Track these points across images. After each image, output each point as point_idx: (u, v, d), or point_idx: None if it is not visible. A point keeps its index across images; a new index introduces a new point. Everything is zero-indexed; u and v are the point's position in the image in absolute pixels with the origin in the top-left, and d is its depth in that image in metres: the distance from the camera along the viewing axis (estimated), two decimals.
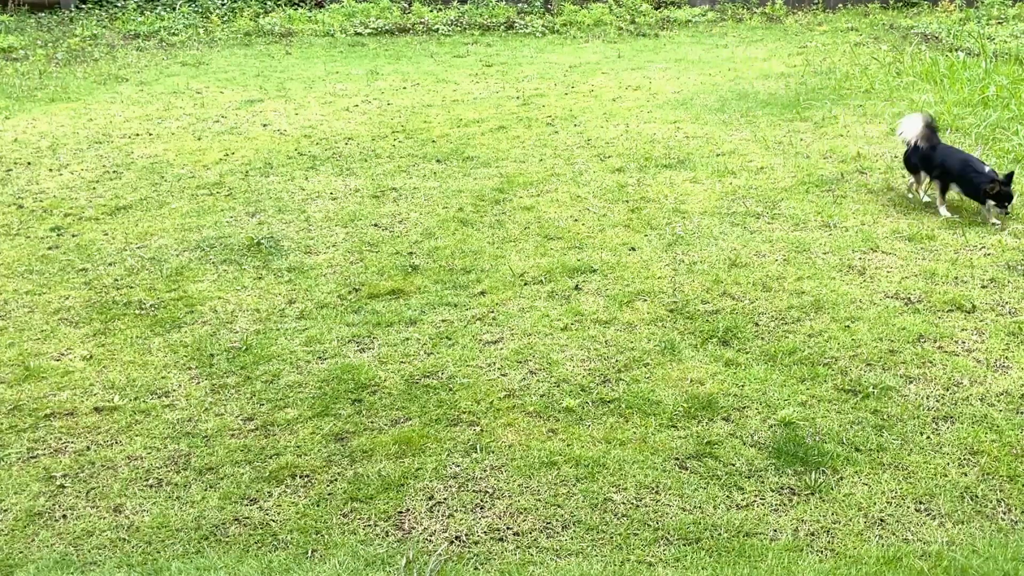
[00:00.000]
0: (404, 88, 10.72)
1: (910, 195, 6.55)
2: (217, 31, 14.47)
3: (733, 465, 3.85)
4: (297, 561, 3.42)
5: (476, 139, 8.38)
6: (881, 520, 3.54)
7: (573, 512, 3.63)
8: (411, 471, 3.89)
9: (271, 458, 4.01)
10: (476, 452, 4.00)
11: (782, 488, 3.72)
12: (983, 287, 5.23)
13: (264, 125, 9.16)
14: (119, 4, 15.87)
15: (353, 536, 3.54)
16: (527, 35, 13.96)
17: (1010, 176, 5.93)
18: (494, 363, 4.67)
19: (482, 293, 5.41)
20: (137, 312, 5.33)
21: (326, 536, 3.55)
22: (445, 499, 3.73)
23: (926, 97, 8.73)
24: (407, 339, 4.94)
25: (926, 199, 6.45)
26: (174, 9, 15.55)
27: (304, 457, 4.01)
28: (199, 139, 8.72)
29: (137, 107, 10.06)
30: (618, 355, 4.70)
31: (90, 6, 16.04)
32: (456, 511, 3.66)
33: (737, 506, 3.63)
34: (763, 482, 3.75)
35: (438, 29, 14.26)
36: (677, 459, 3.91)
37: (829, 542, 3.44)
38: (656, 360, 4.65)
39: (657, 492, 3.72)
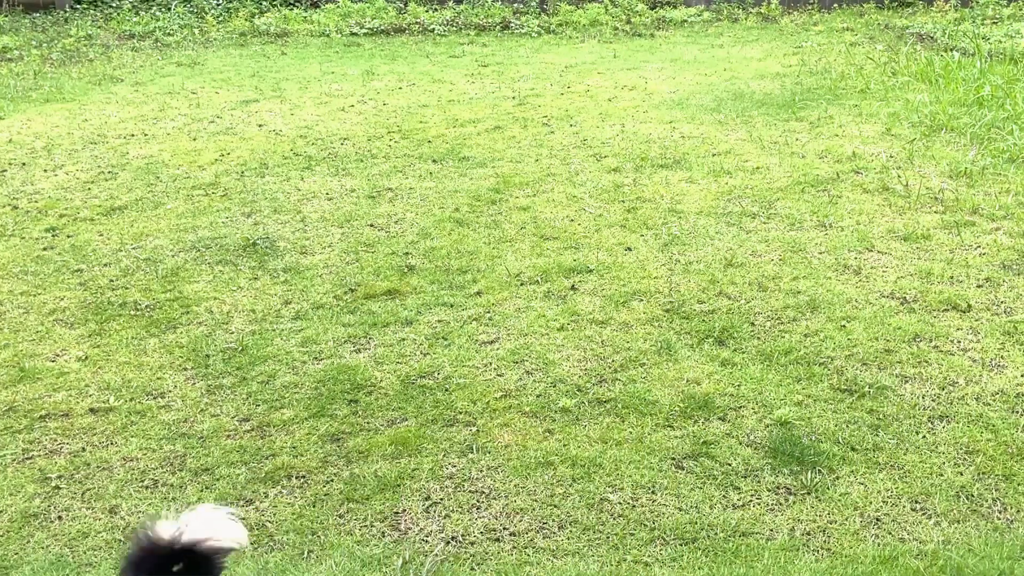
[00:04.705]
0: (400, 88, 10.71)
1: None
2: (212, 31, 14.45)
3: (729, 465, 3.85)
4: (293, 562, 3.41)
5: (472, 139, 8.38)
6: (877, 519, 3.54)
7: (569, 512, 3.63)
8: (407, 472, 3.89)
9: (267, 459, 4.01)
10: (472, 452, 4.00)
11: (778, 488, 3.72)
12: (979, 287, 5.24)
13: (260, 125, 9.15)
14: (114, 4, 15.84)
15: (349, 537, 3.54)
16: (523, 35, 13.95)
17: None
18: (490, 363, 4.67)
19: (478, 293, 5.40)
20: (132, 313, 5.32)
21: (322, 537, 3.55)
22: (441, 499, 3.73)
23: (921, 97, 8.74)
24: (403, 339, 4.93)
25: None
26: (169, 9, 15.52)
27: (300, 458, 4.00)
28: (194, 139, 8.71)
29: (132, 107, 10.04)
30: (614, 355, 4.70)
31: (85, 6, 16.01)
32: (452, 511, 3.66)
33: (733, 506, 3.63)
34: (759, 482, 3.75)
35: (434, 29, 14.25)
36: (673, 459, 3.91)
37: (825, 541, 3.45)
38: (652, 360, 4.65)
39: (653, 492, 3.72)
